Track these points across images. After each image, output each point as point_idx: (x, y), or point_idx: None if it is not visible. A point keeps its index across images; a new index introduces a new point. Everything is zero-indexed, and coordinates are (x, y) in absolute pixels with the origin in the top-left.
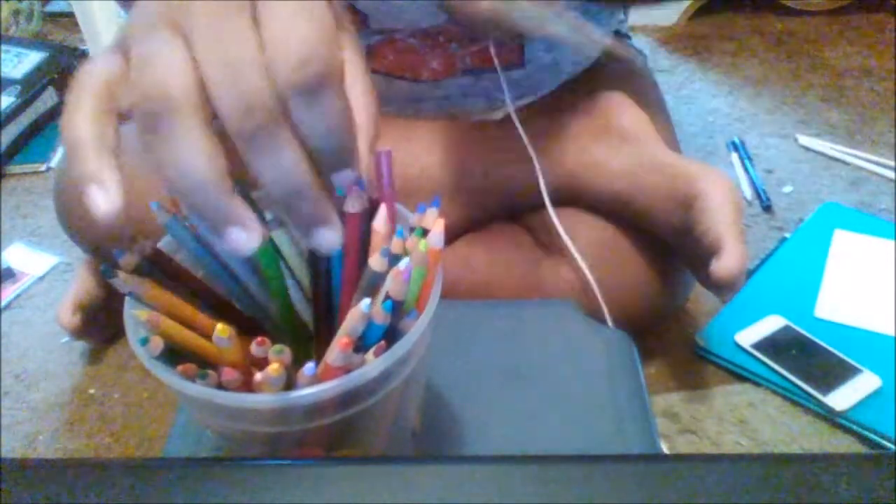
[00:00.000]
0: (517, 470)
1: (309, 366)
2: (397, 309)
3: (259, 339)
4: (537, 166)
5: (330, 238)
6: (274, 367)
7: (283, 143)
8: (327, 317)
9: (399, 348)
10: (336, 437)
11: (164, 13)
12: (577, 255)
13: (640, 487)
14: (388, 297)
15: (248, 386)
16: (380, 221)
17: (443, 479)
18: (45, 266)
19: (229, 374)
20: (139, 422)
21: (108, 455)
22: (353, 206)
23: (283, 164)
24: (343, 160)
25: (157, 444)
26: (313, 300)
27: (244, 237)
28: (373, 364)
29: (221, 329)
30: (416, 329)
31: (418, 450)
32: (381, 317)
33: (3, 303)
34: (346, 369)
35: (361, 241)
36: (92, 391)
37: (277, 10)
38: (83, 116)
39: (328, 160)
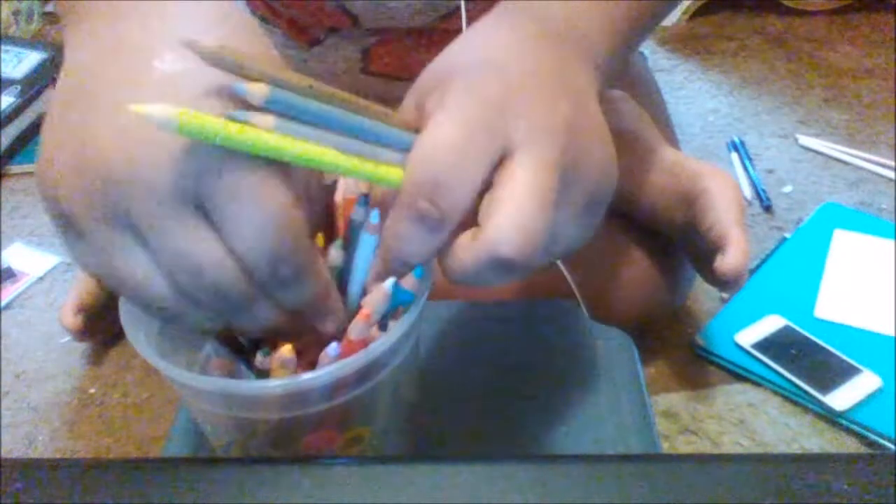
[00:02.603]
0: (517, 470)
1: (332, 345)
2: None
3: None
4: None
5: None
6: (287, 348)
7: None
8: None
9: (414, 310)
10: (348, 416)
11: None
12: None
13: (640, 487)
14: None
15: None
16: (340, 196)
17: (443, 479)
18: (45, 266)
19: (286, 353)
20: (139, 422)
21: (108, 455)
22: None
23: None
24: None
25: (157, 444)
26: None
27: None
28: (393, 329)
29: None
30: (422, 289)
31: (418, 449)
32: (409, 283)
33: (3, 303)
34: (365, 343)
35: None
36: (92, 391)
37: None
38: None
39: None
